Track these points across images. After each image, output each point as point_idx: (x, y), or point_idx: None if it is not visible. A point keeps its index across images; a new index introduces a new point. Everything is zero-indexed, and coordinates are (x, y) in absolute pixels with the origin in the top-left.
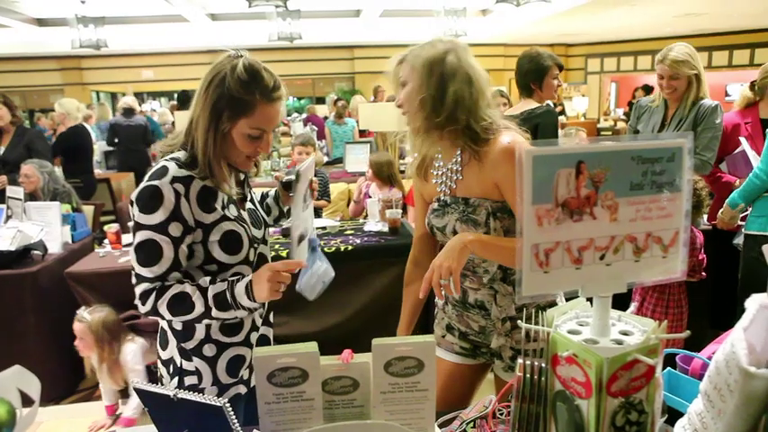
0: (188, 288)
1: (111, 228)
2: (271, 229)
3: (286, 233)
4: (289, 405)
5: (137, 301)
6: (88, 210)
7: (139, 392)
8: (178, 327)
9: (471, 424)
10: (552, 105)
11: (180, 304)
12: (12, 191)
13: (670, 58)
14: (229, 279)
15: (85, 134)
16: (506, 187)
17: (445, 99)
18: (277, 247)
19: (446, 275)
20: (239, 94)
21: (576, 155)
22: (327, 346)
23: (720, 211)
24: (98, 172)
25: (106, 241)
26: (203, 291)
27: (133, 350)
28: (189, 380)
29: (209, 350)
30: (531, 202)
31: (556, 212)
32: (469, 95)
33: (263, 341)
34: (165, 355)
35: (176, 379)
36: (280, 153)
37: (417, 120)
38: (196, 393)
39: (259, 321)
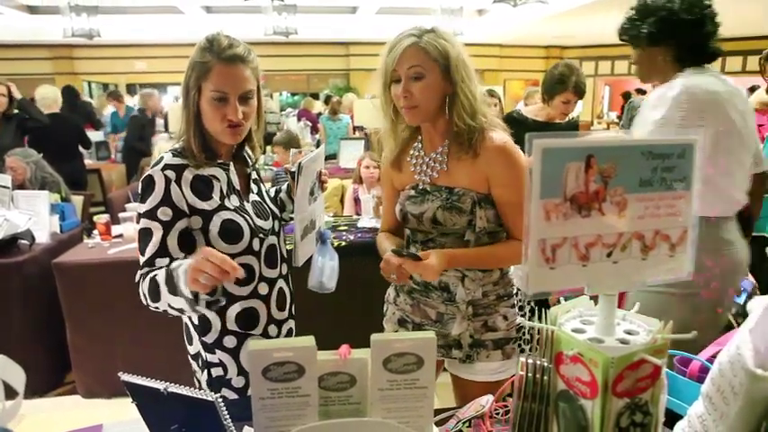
0: (159, 271)
1: (101, 218)
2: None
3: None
4: (283, 401)
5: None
6: (77, 200)
7: (128, 386)
8: (195, 321)
9: (467, 423)
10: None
11: (154, 288)
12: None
13: None
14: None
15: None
16: (496, 183)
17: (468, 97)
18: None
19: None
20: (198, 59)
21: (585, 148)
22: (318, 342)
23: None
24: (88, 162)
25: (95, 232)
26: (167, 270)
27: None
28: (215, 371)
29: (229, 342)
30: (540, 197)
31: (564, 207)
32: (477, 92)
33: (288, 334)
34: (192, 349)
35: (206, 371)
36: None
37: (428, 115)
38: (188, 388)
39: (276, 313)
